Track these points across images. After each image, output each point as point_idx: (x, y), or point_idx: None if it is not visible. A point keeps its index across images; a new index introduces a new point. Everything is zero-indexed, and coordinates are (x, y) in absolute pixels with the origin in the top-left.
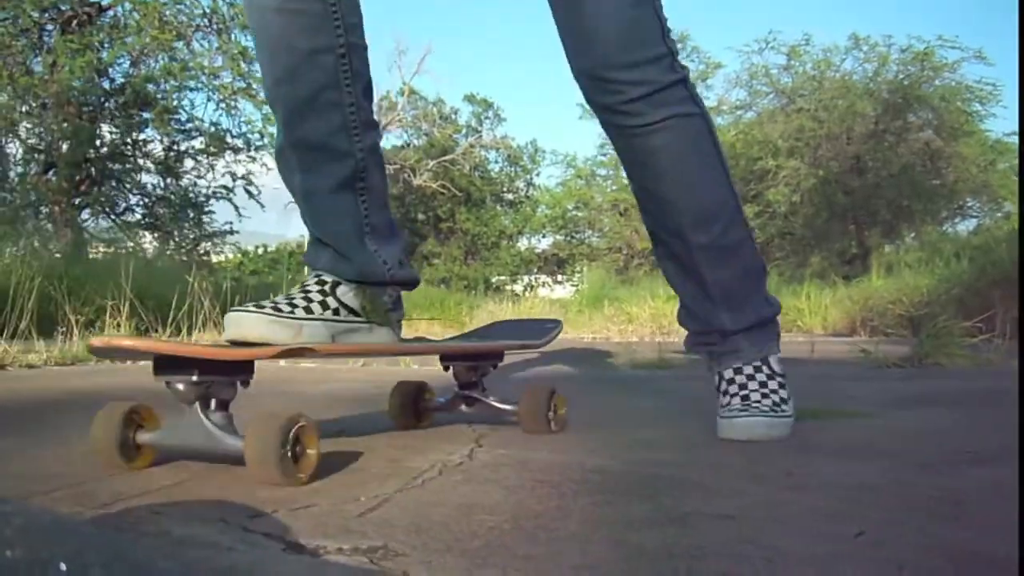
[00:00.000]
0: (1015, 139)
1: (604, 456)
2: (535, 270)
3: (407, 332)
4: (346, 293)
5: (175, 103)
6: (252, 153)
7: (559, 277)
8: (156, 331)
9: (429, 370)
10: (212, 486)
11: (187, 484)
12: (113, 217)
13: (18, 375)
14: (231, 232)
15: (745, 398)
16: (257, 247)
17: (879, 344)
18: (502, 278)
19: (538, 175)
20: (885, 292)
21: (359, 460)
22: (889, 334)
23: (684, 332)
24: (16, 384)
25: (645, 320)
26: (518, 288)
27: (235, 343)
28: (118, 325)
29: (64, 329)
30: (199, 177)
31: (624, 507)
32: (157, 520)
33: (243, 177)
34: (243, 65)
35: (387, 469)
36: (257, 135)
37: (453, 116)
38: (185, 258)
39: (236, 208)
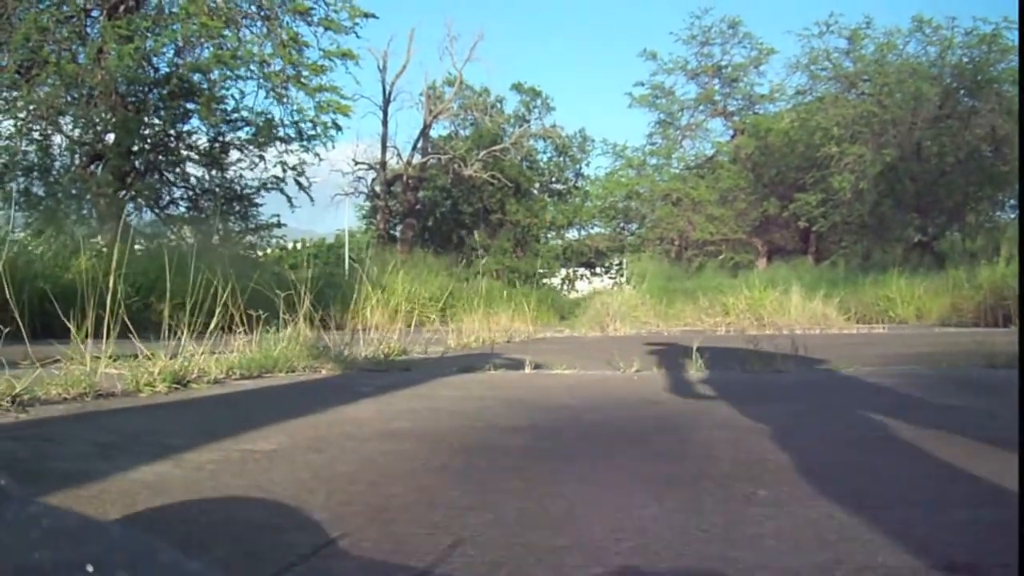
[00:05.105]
0: None
1: None
2: (584, 262)
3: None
4: None
5: (222, 92)
6: (304, 143)
7: (597, 269)
8: (331, 329)
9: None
10: None
11: None
12: (157, 210)
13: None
14: (278, 225)
15: None
16: (295, 242)
17: None
18: (544, 270)
19: (587, 165)
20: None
21: None
22: None
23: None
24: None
25: (742, 311)
26: (555, 281)
27: None
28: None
29: (242, 329)
30: (247, 169)
31: None
32: None
33: (294, 168)
34: (293, 53)
35: None
36: (309, 124)
37: (499, 105)
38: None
39: (289, 199)
